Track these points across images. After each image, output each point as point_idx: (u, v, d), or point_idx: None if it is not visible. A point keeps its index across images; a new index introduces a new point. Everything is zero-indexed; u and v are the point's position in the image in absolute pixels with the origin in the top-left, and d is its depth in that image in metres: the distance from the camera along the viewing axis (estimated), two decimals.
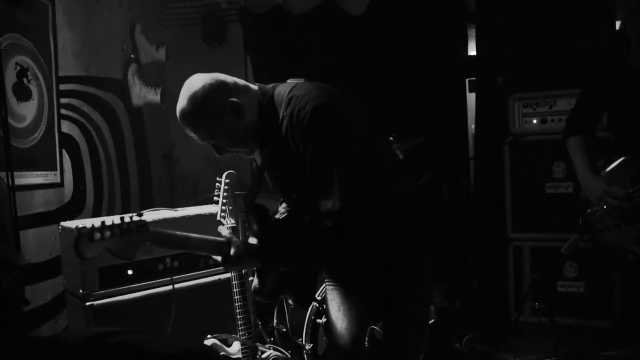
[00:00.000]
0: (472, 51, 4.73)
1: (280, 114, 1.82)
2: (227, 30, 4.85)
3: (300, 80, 1.90)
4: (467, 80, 4.86)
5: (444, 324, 3.55)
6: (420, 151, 3.84)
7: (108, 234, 1.52)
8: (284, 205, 2.27)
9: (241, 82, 1.88)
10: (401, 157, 3.62)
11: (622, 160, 2.17)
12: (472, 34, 4.65)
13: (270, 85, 1.93)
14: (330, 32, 4.67)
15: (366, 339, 2.84)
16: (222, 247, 1.81)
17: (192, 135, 1.85)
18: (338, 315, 2.13)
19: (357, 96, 4.37)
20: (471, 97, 4.76)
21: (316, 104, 1.73)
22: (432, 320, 3.20)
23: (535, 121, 4.03)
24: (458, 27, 4.66)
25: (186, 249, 1.81)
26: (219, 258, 1.84)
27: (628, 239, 2.09)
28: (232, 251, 1.80)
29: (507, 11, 4.33)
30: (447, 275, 4.00)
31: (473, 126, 4.69)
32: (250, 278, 3.04)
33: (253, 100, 1.87)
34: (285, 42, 4.70)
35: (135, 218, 1.60)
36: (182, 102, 1.80)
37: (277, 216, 2.23)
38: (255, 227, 1.87)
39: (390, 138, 3.63)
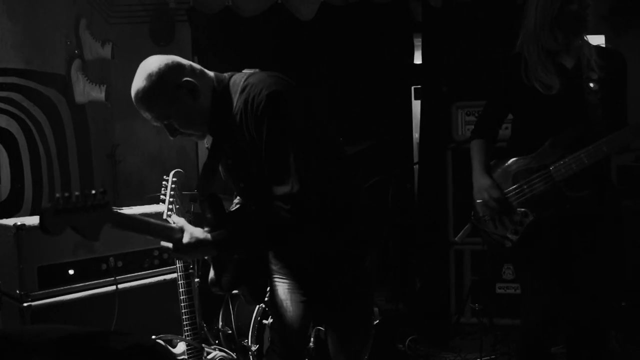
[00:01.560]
0: (418, 60, 4.86)
1: (235, 101, 1.85)
2: (175, 30, 4.78)
3: (256, 70, 1.93)
4: (412, 87, 4.95)
5: (388, 325, 3.60)
6: (366, 155, 3.90)
7: (74, 209, 1.49)
8: (235, 201, 2.27)
9: (197, 66, 1.91)
10: None
11: (508, 162, 2.46)
12: (418, 43, 4.79)
13: (226, 74, 1.96)
14: (279, 36, 4.69)
15: (312, 339, 2.88)
16: (175, 233, 1.80)
17: (146, 114, 1.85)
18: (280, 312, 2.16)
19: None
20: (416, 105, 4.88)
21: (270, 91, 1.77)
22: (376, 322, 3.26)
23: None
24: (405, 36, 4.78)
25: (146, 234, 1.80)
26: (170, 245, 1.83)
27: (506, 229, 2.43)
28: (187, 237, 1.79)
29: (452, 22, 4.47)
30: (390, 278, 4.06)
31: (417, 134, 4.84)
32: (197, 279, 3.01)
33: (208, 85, 1.90)
34: (235, 44, 4.69)
35: (99, 196, 1.58)
36: (137, 82, 1.81)
37: (232, 207, 2.24)
38: (209, 214, 1.88)
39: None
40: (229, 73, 1.96)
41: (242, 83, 1.86)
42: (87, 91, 3.98)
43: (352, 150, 3.67)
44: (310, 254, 2.07)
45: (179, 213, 2.53)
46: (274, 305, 2.20)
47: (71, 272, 2.60)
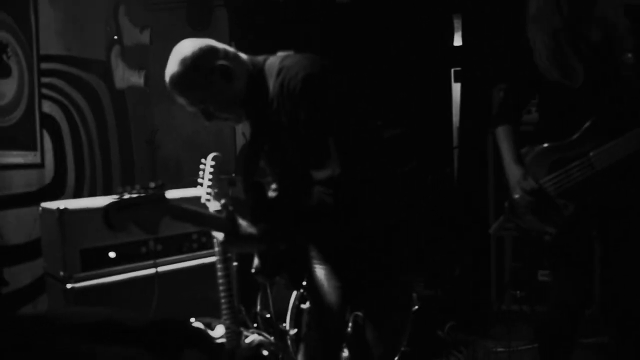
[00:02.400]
0: (458, 41, 4.73)
1: (270, 85, 1.82)
2: (212, 15, 4.79)
3: (290, 52, 1.89)
4: (452, 70, 4.82)
5: (426, 311, 3.53)
6: (404, 140, 3.83)
7: (134, 201, 1.49)
8: (273, 186, 2.25)
9: (231, 49, 1.88)
10: None
11: (542, 149, 2.26)
12: (458, 24, 4.67)
13: (261, 57, 1.92)
14: (316, 19, 4.63)
15: (350, 324, 2.86)
16: (226, 225, 1.80)
17: (181, 100, 1.83)
18: (318, 297, 2.14)
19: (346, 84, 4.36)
20: (456, 87, 4.77)
21: (307, 73, 1.73)
22: (415, 308, 3.21)
23: None
24: (444, 17, 4.65)
25: (200, 225, 1.81)
26: (220, 235, 1.82)
27: (544, 222, 2.25)
28: (237, 229, 1.79)
29: (493, 1, 4.33)
30: (429, 264, 4.00)
31: (457, 118, 4.73)
32: (235, 263, 3.02)
33: (243, 68, 1.86)
34: (271, 28, 4.66)
35: (158, 188, 1.57)
36: (171, 66, 1.79)
37: (270, 193, 2.22)
38: (252, 203, 1.87)
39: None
40: (264, 56, 1.92)
41: (277, 66, 1.82)
42: (126, 77, 4.03)
43: (390, 133, 3.61)
44: (347, 239, 2.03)
45: (217, 198, 2.52)
46: (312, 290, 2.18)
47: (112, 254, 2.63)
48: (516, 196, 2.28)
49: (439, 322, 3.58)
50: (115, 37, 4.08)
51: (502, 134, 2.39)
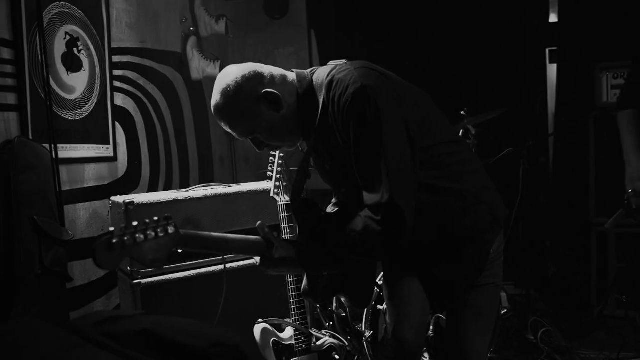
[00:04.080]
0: (553, 18, 4.41)
1: (321, 101, 1.67)
2: (290, 3, 4.70)
3: (341, 62, 1.72)
4: (547, 50, 4.54)
5: (517, 314, 3.34)
6: (495, 126, 3.57)
7: (130, 241, 1.36)
8: (334, 200, 2.10)
9: (277, 71, 1.75)
10: (473, 133, 3.36)
11: None
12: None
13: (308, 71, 1.78)
14: (401, 1, 4.42)
15: (431, 327, 2.67)
16: (260, 248, 1.66)
17: (229, 131, 1.73)
18: (398, 306, 1.95)
19: (429, 69, 4.16)
20: (552, 68, 4.49)
21: (357, 88, 1.56)
22: (504, 311, 2.98)
23: None
24: None
25: (224, 252, 1.67)
26: (257, 259, 1.69)
27: None
28: (273, 254, 1.66)
29: None
30: (521, 261, 3.73)
31: (553, 102, 4.43)
32: None
33: (291, 90, 1.73)
34: (351, 14, 4.52)
35: (163, 222, 1.45)
36: (215, 97, 1.69)
37: (330, 207, 2.07)
38: (301, 223, 1.74)
39: (462, 112, 3.39)
40: (311, 69, 1.79)
41: (326, 79, 1.67)
42: (202, 67, 4.03)
43: (478, 121, 3.38)
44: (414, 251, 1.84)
45: (287, 190, 2.41)
46: (385, 296, 2.01)
47: (180, 250, 2.58)
48: (631, 192, 2.14)
49: (532, 326, 3.36)
50: (192, 29, 4.07)
51: (625, 119, 2.26)
